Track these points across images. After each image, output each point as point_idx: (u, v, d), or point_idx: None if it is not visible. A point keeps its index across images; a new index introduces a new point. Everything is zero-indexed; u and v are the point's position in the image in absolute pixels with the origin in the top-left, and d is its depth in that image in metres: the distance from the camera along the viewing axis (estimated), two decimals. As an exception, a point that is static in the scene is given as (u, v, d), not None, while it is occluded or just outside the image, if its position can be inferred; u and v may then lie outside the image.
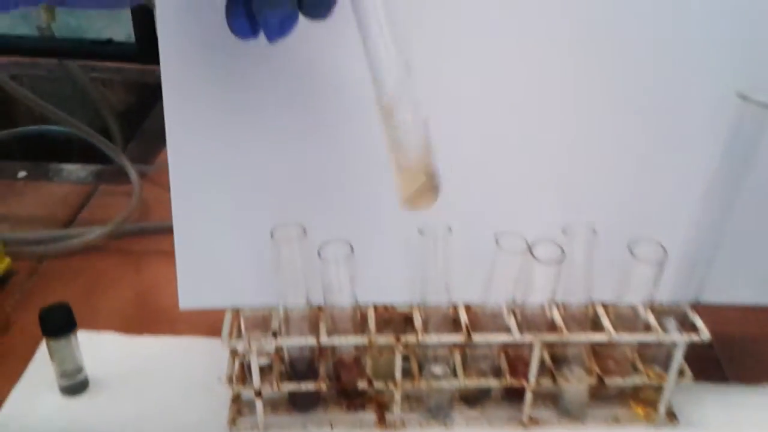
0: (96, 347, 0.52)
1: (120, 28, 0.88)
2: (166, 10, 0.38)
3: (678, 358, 0.44)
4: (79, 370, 0.48)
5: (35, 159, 0.77)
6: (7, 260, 0.59)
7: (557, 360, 0.46)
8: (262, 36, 0.33)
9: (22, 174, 0.73)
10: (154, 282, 0.59)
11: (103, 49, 0.64)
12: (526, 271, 0.40)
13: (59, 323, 0.46)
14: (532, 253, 0.39)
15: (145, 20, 0.61)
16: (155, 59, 0.39)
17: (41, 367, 0.49)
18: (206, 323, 0.52)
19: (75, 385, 0.48)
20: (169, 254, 0.62)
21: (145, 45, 0.60)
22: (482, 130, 0.42)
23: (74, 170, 0.74)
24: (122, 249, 0.63)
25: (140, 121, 0.88)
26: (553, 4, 0.39)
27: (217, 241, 0.44)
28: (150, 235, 0.65)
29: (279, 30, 0.32)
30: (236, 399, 0.46)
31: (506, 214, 0.43)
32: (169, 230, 0.64)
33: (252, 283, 0.44)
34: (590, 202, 0.43)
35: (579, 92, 0.42)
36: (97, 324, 0.54)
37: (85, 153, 0.78)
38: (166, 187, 0.43)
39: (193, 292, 0.44)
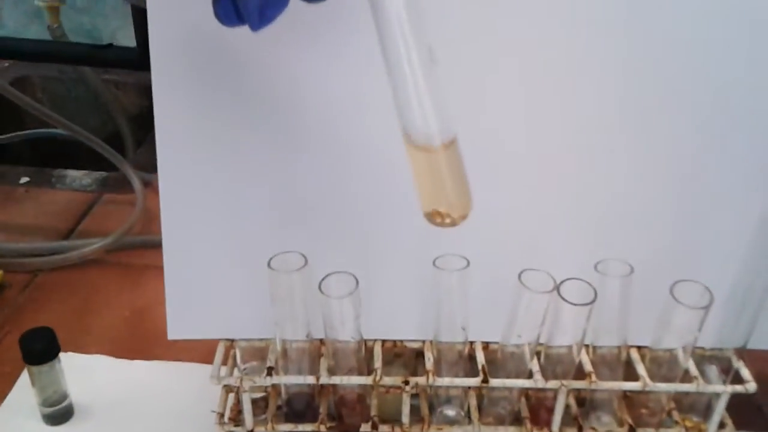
0: (84, 371, 0.48)
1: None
2: (159, 39, 0.35)
3: (720, 410, 0.40)
4: (63, 397, 0.45)
5: (43, 164, 0.74)
6: (-1, 272, 0.56)
7: (584, 405, 0.41)
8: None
9: (24, 180, 0.70)
10: (152, 299, 0.55)
11: (103, 54, 0.60)
12: (553, 312, 0.36)
13: (41, 349, 0.42)
14: (560, 293, 0.35)
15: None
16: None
17: (24, 391, 0.46)
18: (204, 348, 0.47)
19: (57, 413, 0.44)
20: (171, 270, 0.59)
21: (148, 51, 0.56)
22: (511, 155, 0.38)
23: (78, 177, 0.71)
24: (122, 263, 0.60)
25: (153, 125, 0.85)
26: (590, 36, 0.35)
27: (211, 269, 0.40)
28: (153, 249, 0.61)
29: (259, 16, 0.28)
30: (230, 437, 0.43)
31: (533, 248, 0.39)
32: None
33: (247, 314, 0.40)
34: (627, 239, 0.39)
35: (620, 119, 0.37)
36: (87, 345, 0.51)
37: (94, 158, 0.74)
38: None
39: (183, 321, 0.41)
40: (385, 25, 0.28)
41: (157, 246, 0.61)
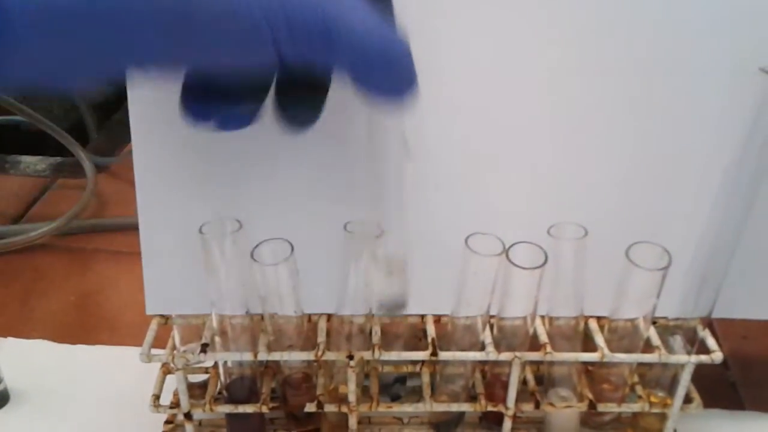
0: (24, 356, 0.46)
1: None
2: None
3: (685, 382, 0.38)
4: (-3, 383, 0.42)
5: (4, 151, 0.72)
6: (-60, 258, 0.53)
7: (543, 381, 0.39)
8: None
9: (-24, 166, 0.68)
10: (99, 285, 0.53)
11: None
12: (503, 279, 0.34)
13: (-33, 331, 0.40)
14: (508, 257, 0.33)
15: None
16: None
17: (-42, 378, 0.43)
18: (150, 332, 0.46)
19: (-9, 400, 0.42)
20: (122, 254, 0.57)
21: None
22: (463, 115, 0.36)
23: (32, 162, 0.69)
24: (70, 247, 0.57)
25: (115, 112, 0.82)
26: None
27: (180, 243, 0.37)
28: (103, 233, 0.59)
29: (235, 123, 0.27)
30: (170, 421, 0.40)
31: (484, 213, 0.36)
32: (124, 227, 0.59)
33: (189, 289, 0.38)
34: (583, 202, 0.37)
35: (575, 80, 0.35)
36: (30, 330, 0.48)
37: (56, 146, 0.72)
38: (129, 182, 0.37)
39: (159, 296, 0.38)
40: None
41: (107, 230, 0.59)
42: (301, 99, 0.27)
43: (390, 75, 0.26)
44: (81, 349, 0.47)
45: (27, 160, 0.69)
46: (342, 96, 0.31)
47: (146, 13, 0.20)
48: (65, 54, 0.21)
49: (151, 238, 0.37)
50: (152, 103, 0.35)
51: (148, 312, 0.39)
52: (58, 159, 0.69)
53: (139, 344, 0.43)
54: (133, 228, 0.38)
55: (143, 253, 0.37)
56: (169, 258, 0.37)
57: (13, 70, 0.20)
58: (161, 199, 0.37)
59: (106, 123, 0.79)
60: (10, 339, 0.47)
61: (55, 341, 0.47)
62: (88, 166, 0.61)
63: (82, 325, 0.49)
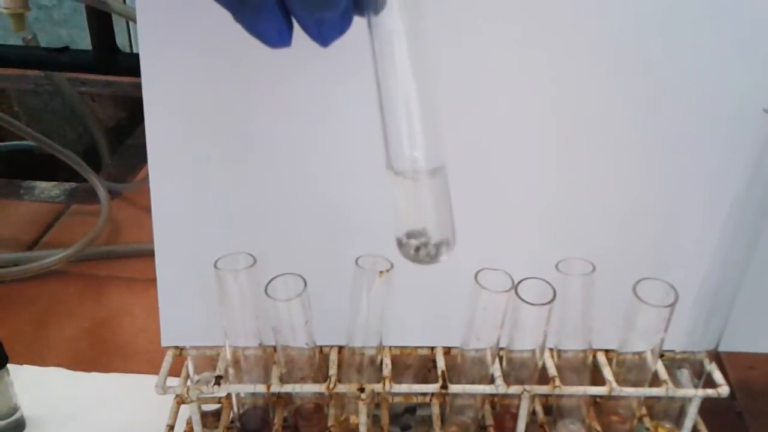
0: (38, 384, 0.47)
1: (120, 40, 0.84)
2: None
3: (692, 415, 0.38)
4: (14, 410, 0.43)
5: (18, 176, 0.73)
6: (-43, 285, 0.54)
7: (552, 413, 0.40)
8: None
9: (-9, 191, 0.69)
10: (113, 311, 0.54)
11: (58, 58, 0.59)
12: (512, 313, 0.35)
13: (-14, 359, 0.40)
14: (517, 293, 0.34)
15: (102, 26, 0.55)
16: (114, 69, 0.34)
17: (-25, 405, 0.44)
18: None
19: (7, 427, 0.43)
20: (136, 281, 0.58)
21: (104, 54, 0.54)
22: (468, 150, 0.37)
23: (47, 188, 0.70)
24: (85, 274, 0.58)
25: (128, 137, 0.83)
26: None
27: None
28: (117, 259, 0.60)
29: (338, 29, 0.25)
30: (183, 450, 0.41)
31: (492, 248, 0.37)
32: (138, 254, 0.60)
33: (202, 321, 0.38)
34: (590, 238, 0.37)
35: (583, 115, 0.36)
36: (44, 357, 0.49)
37: (69, 171, 0.73)
38: (142, 208, 0.38)
39: (174, 328, 0.39)
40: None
41: (121, 257, 0.60)
42: None
43: None
44: (95, 376, 0.48)
45: (41, 185, 0.70)
46: (354, 132, 0.32)
47: None
48: None
49: (167, 272, 0.38)
50: (170, 141, 0.36)
51: (164, 344, 0.39)
52: (72, 184, 0.70)
53: (153, 371, 0.44)
54: (147, 254, 0.38)
55: (159, 286, 0.38)
56: (184, 291, 0.38)
57: None
58: (177, 234, 0.37)
59: (119, 148, 0.80)
60: (26, 366, 0.48)
61: (69, 368, 0.48)
62: (101, 192, 0.62)
63: (96, 352, 0.50)
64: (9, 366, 0.42)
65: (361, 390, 0.36)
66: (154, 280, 0.38)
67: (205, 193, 0.37)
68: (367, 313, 0.36)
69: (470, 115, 0.36)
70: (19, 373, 0.46)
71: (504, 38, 0.34)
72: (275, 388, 0.36)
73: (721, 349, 0.39)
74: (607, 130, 0.36)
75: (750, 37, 0.34)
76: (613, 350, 0.38)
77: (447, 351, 0.39)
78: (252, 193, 0.37)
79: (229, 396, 0.39)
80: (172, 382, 0.37)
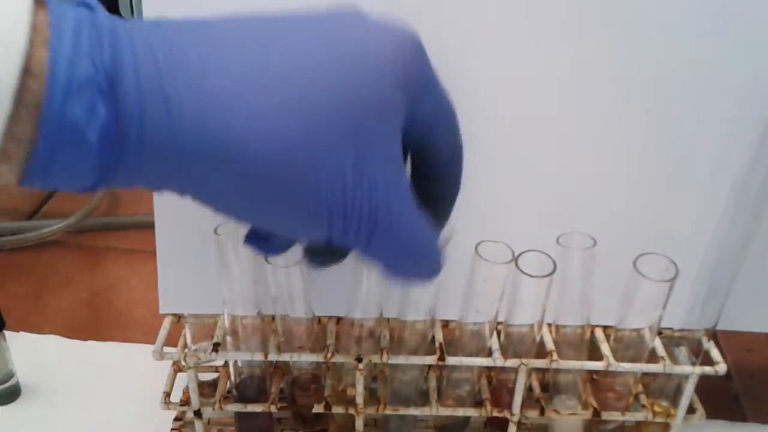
0: (35, 351, 0.47)
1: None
2: None
3: (689, 392, 0.38)
4: (9, 376, 0.43)
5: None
6: (-46, 252, 0.54)
7: (548, 389, 0.40)
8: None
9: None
10: (111, 282, 0.54)
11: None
12: (512, 286, 0.34)
13: (-18, 324, 0.40)
14: (518, 265, 0.34)
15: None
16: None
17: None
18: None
19: (3, 393, 0.43)
20: (134, 252, 0.58)
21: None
22: (471, 123, 0.36)
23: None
24: (83, 245, 0.58)
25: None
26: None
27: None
28: (115, 231, 0.59)
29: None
30: (179, 418, 0.41)
31: (492, 221, 0.37)
32: (136, 226, 0.59)
33: (200, 289, 0.38)
34: (592, 212, 0.37)
35: (586, 88, 0.36)
36: (41, 325, 0.49)
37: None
38: None
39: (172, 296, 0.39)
40: None
41: (120, 228, 0.60)
42: (329, 255, 0.30)
43: (417, 266, 0.28)
44: (92, 345, 0.47)
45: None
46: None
47: (238, 193, 0.24)
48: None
49: (166, 239, 0.38)
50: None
51: (162, 311, 0.39)
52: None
53: (150, 341, 0.44)
54: (145, 226, 0.38)
55: (158, 253, 0.38)
56: (183, 258, 0.38)
57: (123, 183, 0.24)
58: (177, 201, 0.37)
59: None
60: (23, 333, 0.48)
61: (66, 337, 0.48)
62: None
63: (94, 322, 0.50)
64: (5, 332, 0.42)
65: (359, 360, 0.36)
66: (152, 252, 0.38)
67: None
68: (368, 286, 0.36)
69: (473, 89, 0.36)
70: (15, 340, 0.46)
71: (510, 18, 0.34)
72: (273, 356, 0.36)
73: (719, 328, 0.39)
74: (610, 106, 0.36)
75: (757, 16, 0.34)
76: (611, 326, 0.38)
77: (445, 324, 0.39)
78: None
79: (226, 365, 0.39)
80: (170, 350, 0.37)
